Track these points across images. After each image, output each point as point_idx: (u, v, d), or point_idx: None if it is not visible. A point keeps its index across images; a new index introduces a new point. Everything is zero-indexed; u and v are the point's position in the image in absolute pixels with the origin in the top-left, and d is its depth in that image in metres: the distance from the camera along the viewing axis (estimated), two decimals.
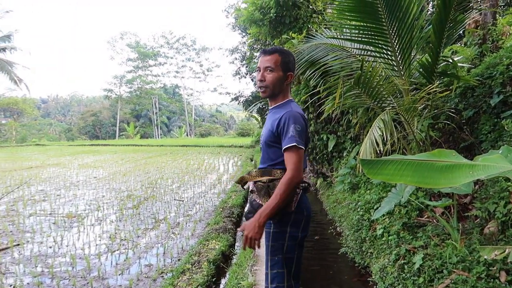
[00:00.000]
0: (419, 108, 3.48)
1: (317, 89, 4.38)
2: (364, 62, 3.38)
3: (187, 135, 49.50)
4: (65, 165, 13.38)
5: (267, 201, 1.70)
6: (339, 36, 4.49)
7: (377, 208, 3.80)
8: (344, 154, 5.87)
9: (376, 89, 3.48)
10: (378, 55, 3.81)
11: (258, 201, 1.85)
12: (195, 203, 6.65)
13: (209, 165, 13.13)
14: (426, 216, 3.36)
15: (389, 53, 3.66)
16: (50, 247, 4.19)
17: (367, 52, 4.00)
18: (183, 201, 6.79)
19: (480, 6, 4.89)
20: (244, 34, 19.72)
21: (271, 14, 7.28)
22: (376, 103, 3.65)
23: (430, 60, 3.41)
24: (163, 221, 5.31)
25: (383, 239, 3.31)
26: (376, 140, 2.81)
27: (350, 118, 5.08)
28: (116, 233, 4.72)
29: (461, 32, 5.57)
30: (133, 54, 46.61)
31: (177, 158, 16.39)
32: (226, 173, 10.86)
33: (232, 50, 24.27)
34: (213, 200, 6.90)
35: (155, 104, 49.20)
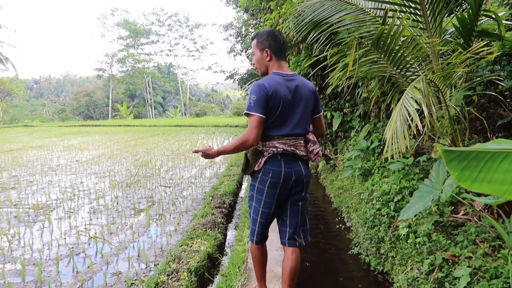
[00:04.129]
0: (456, 76, 2.73)
1: (322, 55, 3.60)
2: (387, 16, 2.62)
3: (182, 115, 48.31)
4: (48, 147, 12.58)
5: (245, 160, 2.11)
6: None
7: (398, 201, 3.11)
8: (352, 134, 5.13)
9: (400, 52, 2.73)
10: (400, 9, 3.04)
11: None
12: (182, 189, 5.95)
13: (202, 145, 12.37)
14: (462, 213, 2.67)
15: (416, 5, 2.89)
16: (1, 249, 3.48)
17: (386, 7, 3.21)
18: (170, 187, 6.09)
19: None
20: (238, 8, 18.60)
21: None
22: (398, 70, 2.91)
23: (471, 14, 2.64)
24: (143, 212, 4.62)
25: (409, 241, 2.63)
26: (411, 116, 2.07)
27: (360, 92, 4.32)
28: (86, 229, 4.03)
29: None
30: (124, 31, 44.89)
31: (170, 138, 15.61)
32: None
33: (226, 26, 23.18)
34: (203, 186, 6.21)
35: (148, 83, 47.85)
